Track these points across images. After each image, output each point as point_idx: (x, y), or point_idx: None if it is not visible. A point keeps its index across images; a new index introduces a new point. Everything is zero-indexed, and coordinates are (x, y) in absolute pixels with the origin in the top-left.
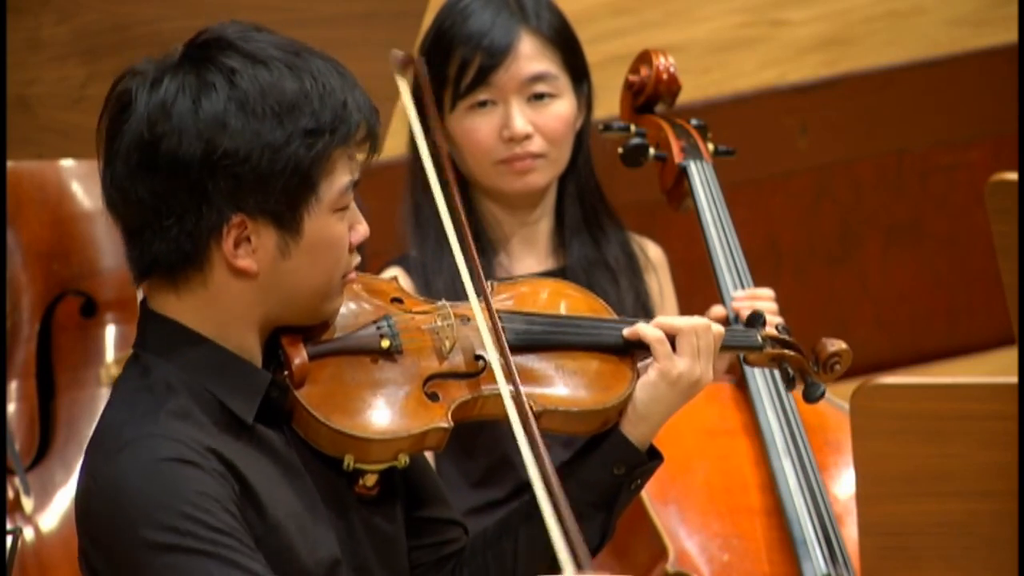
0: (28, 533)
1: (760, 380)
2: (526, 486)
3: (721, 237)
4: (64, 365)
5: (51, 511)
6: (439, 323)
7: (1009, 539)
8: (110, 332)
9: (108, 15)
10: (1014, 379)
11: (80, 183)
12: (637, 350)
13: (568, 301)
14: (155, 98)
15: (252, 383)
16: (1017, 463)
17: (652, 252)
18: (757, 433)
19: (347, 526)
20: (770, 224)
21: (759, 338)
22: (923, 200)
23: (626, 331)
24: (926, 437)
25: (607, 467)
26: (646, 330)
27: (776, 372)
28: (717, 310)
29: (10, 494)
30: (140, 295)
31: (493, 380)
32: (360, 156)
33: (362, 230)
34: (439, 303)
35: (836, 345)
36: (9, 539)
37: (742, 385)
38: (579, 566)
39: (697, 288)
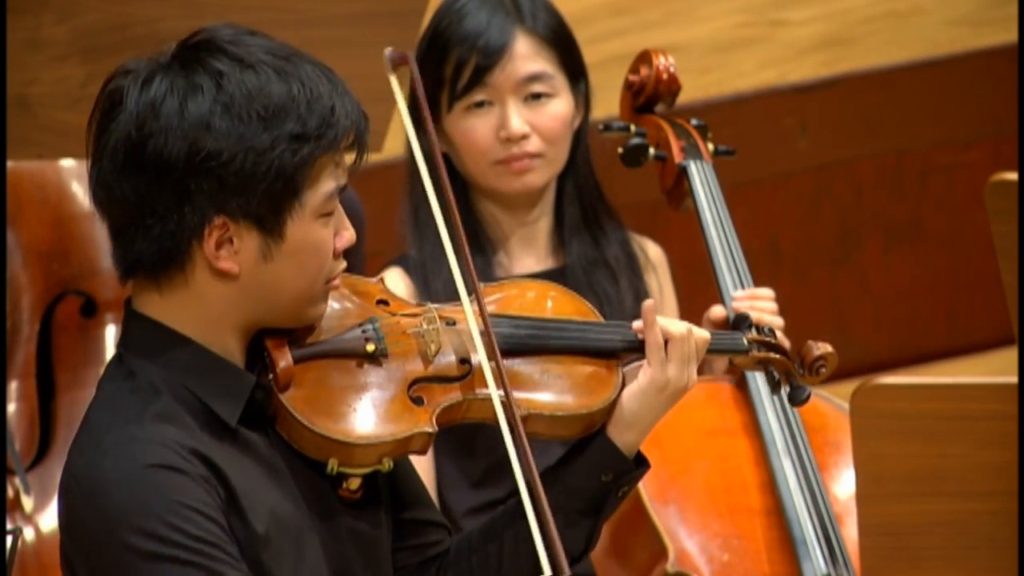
0: (28, 533)
1: (760, 380)
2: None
3: (721, 237)
4: (64, 365)
5: (51, 511)
6: (425, 326)
7: (1009, 539)
8: (110, 332)
9: (108, 15)
10: (1014, 379)
11: (80, 183)
12: (623, 353)
13: (554, 303)
14: (145, 98)
15: (236, 385)
16: (1017, 463)
17: (652, 252)
18: (757, 433)
19: (330, 529)
20: (770, 224)
21: (744, 341)
22: (923, 200)
23: (635, 324)
24: (926, 437)
25: (595, 474)
26: (652, 333)
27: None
28: (717, 310)
29: (10, 494)
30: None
31: (478, 384)
32: (347, 162)
33: (348, 236)
34: (426, 306)
35: (822, 348)
36: (9, 539)
37: (742, 385)
38: (558, 571)
39: (697, 288)
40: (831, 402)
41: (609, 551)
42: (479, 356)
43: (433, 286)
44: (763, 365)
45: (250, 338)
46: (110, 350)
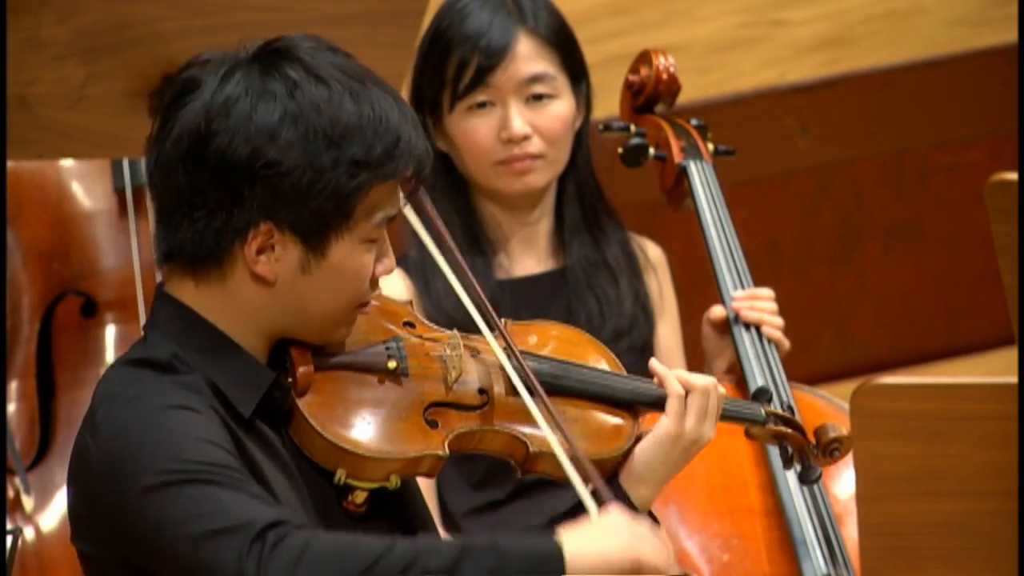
0: (28, 533)
1: (760, 380)
2: (528, 487)
3: (721, 237)
4: (64, 365)
5: (51, 511)
6: (448, 352)
7: (1009, 539)
8: (110, 332)
9: (108, 15)
10: (1014, 379)
11: (80, 183)
12: (642, 407)
13: (577, 350)
14: (220, 94)
15: (255, 378)
16: (1017, 463)
17: (652, 252)
18: None
19: None
20: (770, 224)
21: (762, 413)
22: (923, 200)
23: (656, 378)
24: (926, 437)
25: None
26: (671, 382)
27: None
28: (717, 310)
29: (10, 494)
30: (159, 278)
31: (496, 416)
32: (402, 192)
33: (388, 264)
34: (451, 332)
35: (838, 431)
36: (9, 539)
37: (742, 385)
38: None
39: (697, 288)
40: (831, 402)
41: None
42: (499, 388)
43: (433, 286)
44: (778, 440)
45: (275, 343)
46: (110, 350)
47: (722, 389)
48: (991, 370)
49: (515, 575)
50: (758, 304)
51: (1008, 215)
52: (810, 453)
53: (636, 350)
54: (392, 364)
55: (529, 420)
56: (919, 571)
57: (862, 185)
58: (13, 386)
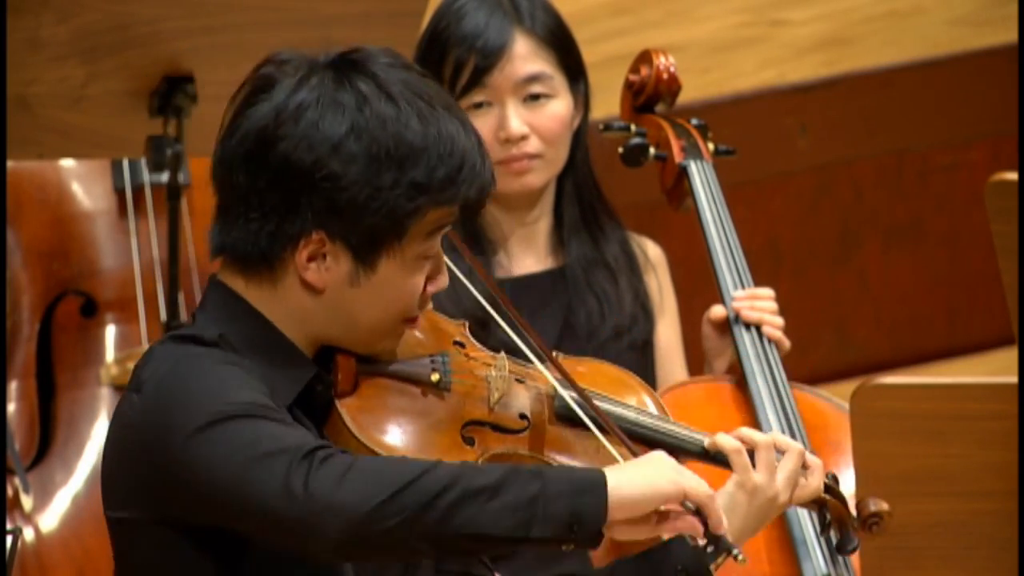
0: (28, 533)
1: (760, 380)
2: None
3: (721, 237)
4: (64, 365)
5: (51, 511)
6: (493, 373)
7: (1009, 539)
8: (110, 332)
9: (108, 15)
10: (1014, 379)
11: (80, 183)
12: (684, 456)
13: (625, 390)
14: (295, 98)
15: (298, 369)
16: (1017, 463)
17: (651, 252)
18: None
19: None
20: (770, 224)
21: None
22: (923, 200)
23: (706, 442)
24: (926, 437)
25: (671, 567)
26: (724, 441)
27: (815, 514)
28: (717, 310)
29: (10, 494)
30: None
31: (533, 443)
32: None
33: (441, 282)
34: (499, 355)
35: (879, 505)
36: (9, 539)
37: (742, 385)
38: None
39: (697, 288)
40: (831, 402)
41: (609, 550)
42: (542, 415)
43: (435, 295)
44: (818, 505)
45: (319, 346)
46: (110, 350)
47: (814, 460)
48: (991, 370)
49: (558, 500)
50: (758, 304)
51: (1008, 215)
52: (850, 524)
53: (636, 348)
54: (435, 377)
55: (570, 450)
56: (919, 571)
57: (862, 185)
58: (13, 386)
